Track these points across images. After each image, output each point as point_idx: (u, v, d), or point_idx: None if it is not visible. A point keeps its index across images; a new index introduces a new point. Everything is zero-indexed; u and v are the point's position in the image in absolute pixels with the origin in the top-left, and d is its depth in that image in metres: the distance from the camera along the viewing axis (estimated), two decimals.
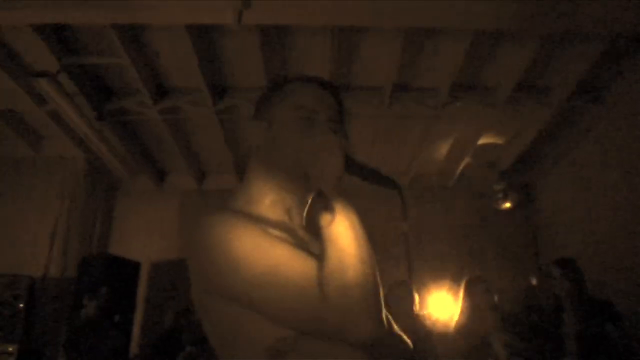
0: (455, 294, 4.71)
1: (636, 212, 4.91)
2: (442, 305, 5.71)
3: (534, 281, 6.44)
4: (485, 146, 6.52)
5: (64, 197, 6.48)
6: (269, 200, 1.27)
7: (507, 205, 6.91)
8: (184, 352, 5.27)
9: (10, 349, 4.97)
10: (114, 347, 4.19)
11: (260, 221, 1.17)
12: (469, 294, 4.27)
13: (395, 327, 1.24)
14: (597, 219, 5.65)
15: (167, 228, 7.51)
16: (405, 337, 1.21)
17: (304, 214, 1.32)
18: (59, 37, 4.54)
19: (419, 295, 4.42)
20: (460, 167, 7.01)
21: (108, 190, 7.43)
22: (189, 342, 5.32)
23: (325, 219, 1.18)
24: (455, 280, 5.20)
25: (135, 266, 6.29)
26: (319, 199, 1.27)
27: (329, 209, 1.19)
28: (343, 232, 1.15)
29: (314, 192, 1.30)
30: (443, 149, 6.71)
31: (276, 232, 1.16)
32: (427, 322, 4.36)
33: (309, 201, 1.33)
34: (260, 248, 1.08)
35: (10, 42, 4.62)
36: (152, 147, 6.82)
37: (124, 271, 5.96)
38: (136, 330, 6.09)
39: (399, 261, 5.86)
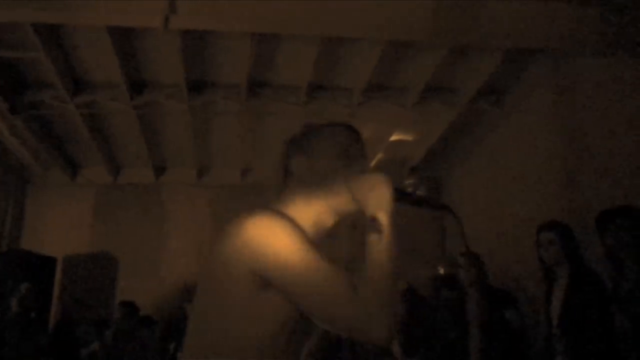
0: None
1: (531, 207, 5.39)
2: None
3: (441, 270, 6.85)
4: (396, 143, 6.88)
5: None
6: (307, 217, 1.47)
7: None
8: (88, 349, 5.30)
9: None
10: (38, 344, 4.18)
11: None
12: None
13: None
14: (498, 213, 6.12)
15: (81, 222, 7.42)
16: None
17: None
18: None
19: None
20: (373, 162, 7.34)
21: (19, 183, 7.23)
22: (88, 335, 5.36)
23: (372, 236, 1.39)
24: None
25: (51, 262, 6.20)
26: (364, 221, 1.45)
27: (377, 229, 1.39)
28: (383, 249, 1.36)
29: (354, 215, 1.52)
30: None
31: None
32: None
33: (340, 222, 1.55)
34: (305, 246, 1.29)
35: None
36: (67, 140, 6.71)
37: (39, 267, 5.86)
38: (52, 327, 6.01)
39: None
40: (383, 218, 1.40)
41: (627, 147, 4.14)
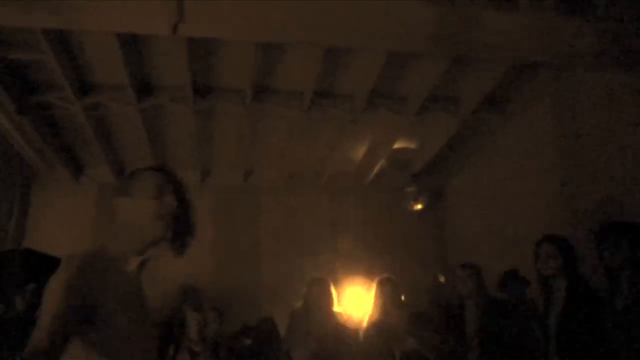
0: (368, 291, 5.07)
1: (530, 217, 5.44)
2: (356, 302, 6.07)
3: (441, 279, 6.91)
4: (399, 150, 6.94)
5: None
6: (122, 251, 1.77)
7: (418, 206, 7.36)
8: None
9: None
10: None
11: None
12: (380, 293, 4.69)
13: None
14: (498, 223, 6.17)
15: (84, 222, 7.46)
16: None
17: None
18: None
19: (336, 291, 4.74)
20: (375, 169, 7.39)
21: (24, 182, 7.29)
22: None
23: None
24: (368, 277, 5.57)
25: (54, 262, 6.22)
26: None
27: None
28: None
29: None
30: (359, 151, 7.07)
31: None
32: (342, 318, 4.70)
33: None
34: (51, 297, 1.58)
35: None
36: (73, 141, 6.78)
37: (43, 267, 5.90)
38: None
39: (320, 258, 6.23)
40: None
41: (625, 159, 4.19)
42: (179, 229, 1.76)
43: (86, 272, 1.59)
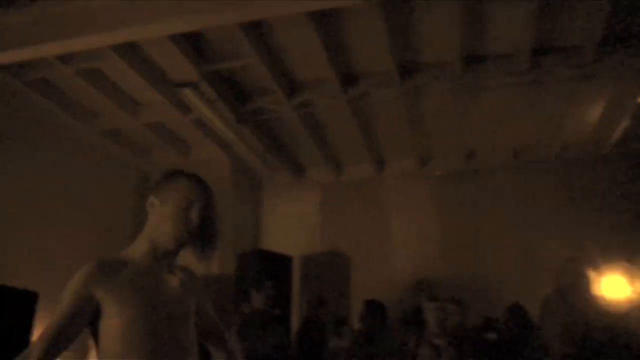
0: (631, 273, 4.29)
1: None
2: (616, 285, 5.20)
3: None
4: None
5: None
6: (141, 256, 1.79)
7: None
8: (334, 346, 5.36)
9: None
10: (278, 341, 4.32)
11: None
12: None
13: None
14: None
15: (310, 221, 7.65)
16: None
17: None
18: (194, 46, 4.75)
19: (590, 274, 4.05)
20: (618, 132, 6.37)
21: (252, 188, 7.70)
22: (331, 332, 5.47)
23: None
24: (628, 257, 4.75)
25: (287, 260, 6.50)
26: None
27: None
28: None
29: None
30: (594, 112, 6.14)
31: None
32: (604, 304, 4.00)
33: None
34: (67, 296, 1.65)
35: (153, 56, 4.92)
36: (289, 142, 6.98)
37: (277, 265, 6.18)
38: (294, 323, 6.21)
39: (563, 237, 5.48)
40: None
41: None
42: (201, 240, 1.79)
43: (95, 275, 1.64)
